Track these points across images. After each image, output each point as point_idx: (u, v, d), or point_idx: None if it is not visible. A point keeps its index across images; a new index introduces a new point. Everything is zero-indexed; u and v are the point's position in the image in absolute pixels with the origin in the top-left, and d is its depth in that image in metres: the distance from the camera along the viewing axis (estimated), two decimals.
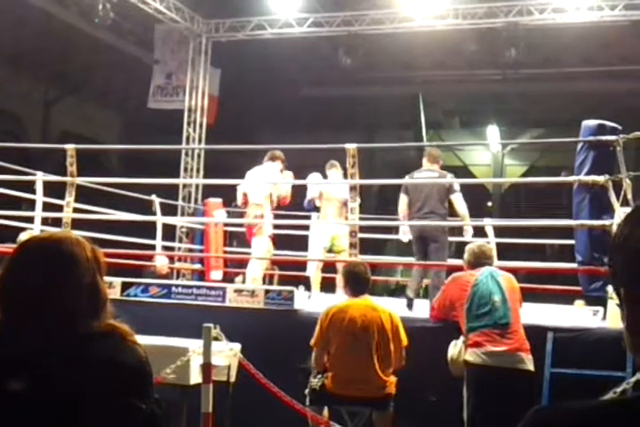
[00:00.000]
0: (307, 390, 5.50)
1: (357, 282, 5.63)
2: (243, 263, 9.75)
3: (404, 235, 8.10)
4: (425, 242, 7.71)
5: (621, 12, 13.11)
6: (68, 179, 8.27)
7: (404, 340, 5.48)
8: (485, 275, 5.51)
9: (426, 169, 8.04)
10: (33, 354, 1.78)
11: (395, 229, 15.11)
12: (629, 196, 6.13)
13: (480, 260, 5.67)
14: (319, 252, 8.69)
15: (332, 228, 8.64)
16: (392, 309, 5.68)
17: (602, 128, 6.56)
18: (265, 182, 8.43)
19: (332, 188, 8.67)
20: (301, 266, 9.60)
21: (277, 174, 8.54)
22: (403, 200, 7.96)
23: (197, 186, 15.22)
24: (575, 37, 14.90)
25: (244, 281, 9.31)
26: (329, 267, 9.21)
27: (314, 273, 8.75)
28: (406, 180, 8.06)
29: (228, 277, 11.31)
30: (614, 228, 6.08)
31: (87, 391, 1.77)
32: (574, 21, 13.75)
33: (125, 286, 7.08)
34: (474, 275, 5.55)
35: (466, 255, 5.80)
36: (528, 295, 5.93)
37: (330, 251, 8.78)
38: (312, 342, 5.48)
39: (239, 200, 8.71)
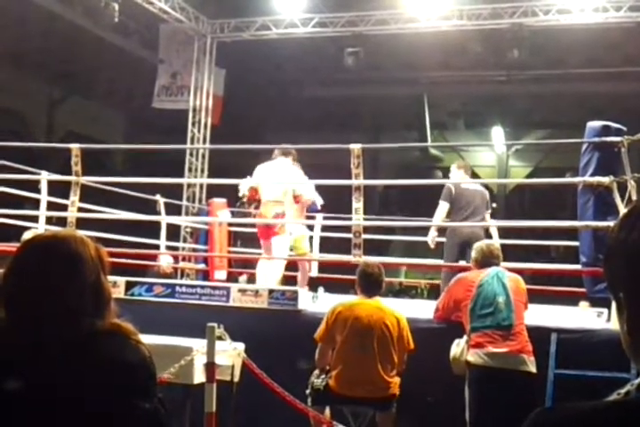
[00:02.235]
0: (308, 391, 5.50)
1: (370, 283, 5.61)
2: (247, 263, 9.74)
3: (432, 241, 8.31)
4: (466, 248, 7.84)
5: (626, 13, 13.09)
6: (72, 178, 8.27)
7: (410, 344, 5.46)
8: (491, 275, 5.50)
9: (470, 182, 8.31)
10: (36, 353, 1.78)
11: (398, 230, 15.14)
12: (634, 197, 6.12)
13: (488, 259, 5.66)
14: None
15: (296, 229, 8.38)
16: (400, 311, 5.66)
17: (606, 129, 6.55)
18: (283, 178, 8.08)
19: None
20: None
21: (296, 170, 8.16)
22: (444, 208, 8.10)
23: (202, 186, 15.22)
24: (580, 39, 14.89)
25: (248, 281, 9.28)
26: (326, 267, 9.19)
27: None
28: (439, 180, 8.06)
29: (232, 277, 11.32)
30: None
31: (91, 390, 1.77)
32: (579, 22, 13.73)
33: (129, 286, 7.09)
34: (479, 275, 5.54)
35: (474, 254, 5.80)
36: (532, 296, 5.93)
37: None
38: (316, 335, 5.47)
39: (243, 191, 8.15)
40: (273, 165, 8.25)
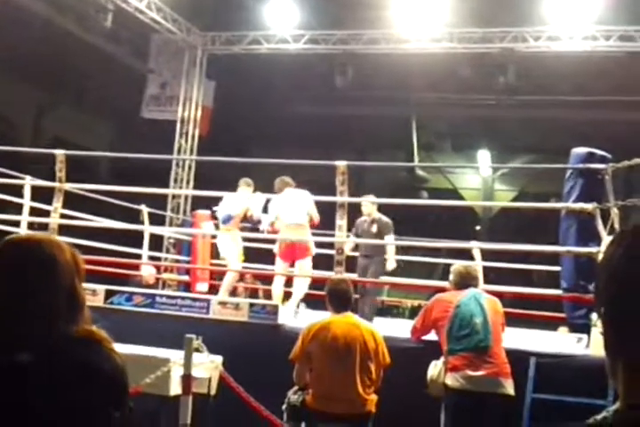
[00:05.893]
0: (284, 406, 5.46)
1: (339, 299, 5.60)
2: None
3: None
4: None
5: (616, 42, 13.23)
6: (56, 184, 8.24)
7: (386, 358, 5.45)
8: (469, 297, 5.49)
9: (365, 216, 9.13)
10: (7, 357, 1.76)
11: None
12: (616, 224, 6.15)
13: (466, 281, 5.65)
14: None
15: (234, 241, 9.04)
16: (374, 327, 5.65)
17: (591, 156, 6.61)
18: (303, 204, 8.39)
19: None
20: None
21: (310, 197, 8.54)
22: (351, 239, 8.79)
23: (187, 197, 15.19)
24: (569, 66, 15.00)
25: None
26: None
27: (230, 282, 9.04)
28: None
29: (214, 290, 11.26)
30: (600, 256, 6.11)
31: (60, 396, 1.75)
32: (568, 50, 13.85)
33: (109, 294, 7.05)
34: (457, 296, 5.53)
35: (452, 276, 5.76)
36: (512, 320, 5.94)
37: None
38: (292, 356, 5.44)
39: (267, 225, 8.64)
40: (287, 194, 8.41)
